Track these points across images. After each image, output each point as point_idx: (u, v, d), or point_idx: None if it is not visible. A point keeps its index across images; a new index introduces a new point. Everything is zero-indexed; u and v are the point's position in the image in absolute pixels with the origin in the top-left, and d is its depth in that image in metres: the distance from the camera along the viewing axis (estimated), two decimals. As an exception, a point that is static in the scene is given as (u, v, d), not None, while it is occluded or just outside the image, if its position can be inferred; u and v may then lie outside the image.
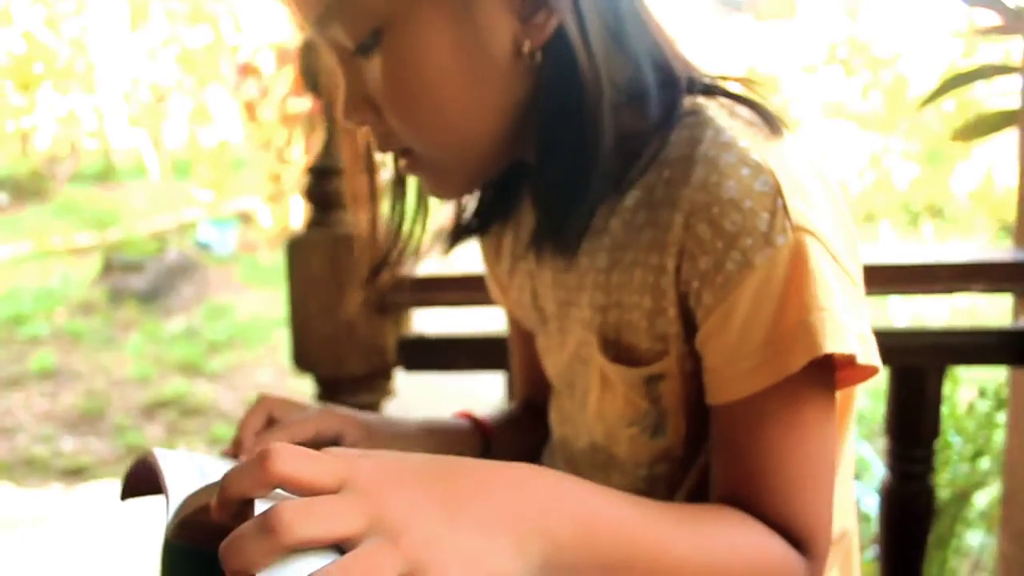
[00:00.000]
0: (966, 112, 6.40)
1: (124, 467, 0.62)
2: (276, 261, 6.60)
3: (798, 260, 0.55)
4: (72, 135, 8.68)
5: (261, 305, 5.65)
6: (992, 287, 1.08)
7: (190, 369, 4.64)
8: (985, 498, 1.90)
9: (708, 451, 0.63)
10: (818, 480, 0.57)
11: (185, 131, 8.41)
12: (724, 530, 0.55)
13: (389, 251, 0.73)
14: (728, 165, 0.56)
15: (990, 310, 4.33)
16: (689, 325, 0.61)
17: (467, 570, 0.42)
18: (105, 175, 8.95)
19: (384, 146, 0.65)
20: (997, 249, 1.71)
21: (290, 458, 0.42)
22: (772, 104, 0.62)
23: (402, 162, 0.67)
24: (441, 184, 0.68)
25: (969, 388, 1.89)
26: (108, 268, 5.89)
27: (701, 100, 0.62)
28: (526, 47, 0.59)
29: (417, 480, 0.44)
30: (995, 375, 1.82)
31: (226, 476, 0.43)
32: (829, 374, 0.57)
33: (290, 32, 6.18)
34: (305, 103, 6.19)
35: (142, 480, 0.60)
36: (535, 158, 0.64)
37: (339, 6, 0.58)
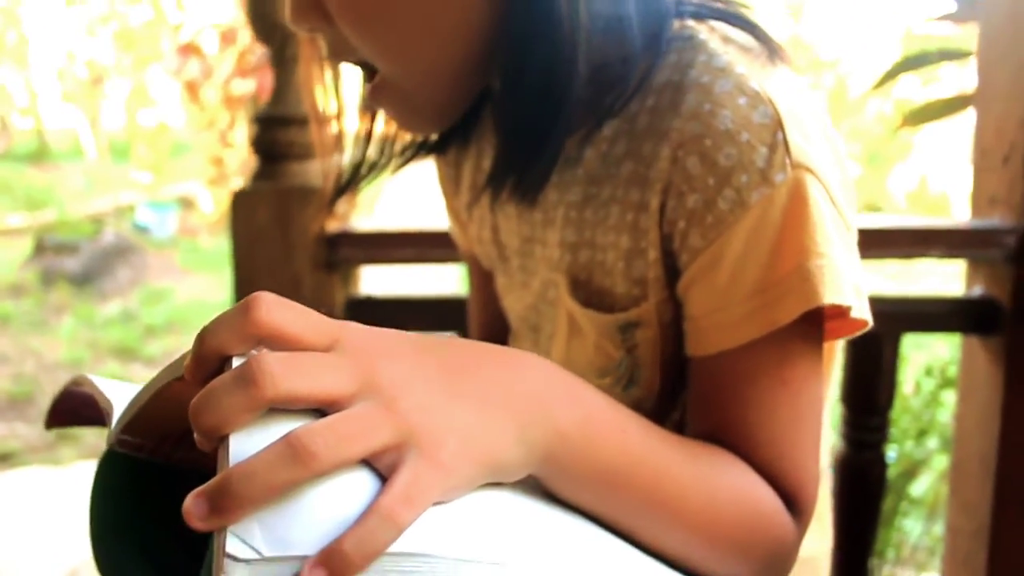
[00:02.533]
0: (904, 111, 6.56)
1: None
2: (218, 246, 6.45)
3: (797, 200, 0.51)
4: (2, 112, 8.38)
5: (202, 290, 5.51)
6: (949, 252, 1.08)
7: (126, 353, 4.50)
8: (927, 480, 1.93)
9: (684, 405, 0.60)
10: (807, 435, 0.54)
11: (123, 112, 8.17)
12: (722, 468, 0.52)
13: (355, 168, 0.68)
14: (723, 93, 0.52)
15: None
16: (671, 269, 0.56)
17: (465, 445, 0.38)
18: (39, 155, 8.66)
19: (336, 55, 0.60)
20: (950, 219, 1.75)
21: (276, 308, 0.37)
22: (768, 30, 0.57)
23: (367, 88, 0.62)
24: (410, 116, 0.63)
25: (914, 368, 1.92)
26: (40, 249, 5.69)
27: (691, 23, 0.57)
28: None
29: (414, 349, 0.40)
30: (940, 354, 1.85)
31: (203, 329, 0.37)
32: (819, 326, 0.54)
33: (233, 11, 6.05)
34: (249, 84, 6.06)
35: (71, 408, 0.55)
36: (500, 86, 0.59)
37: None
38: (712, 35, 0.56)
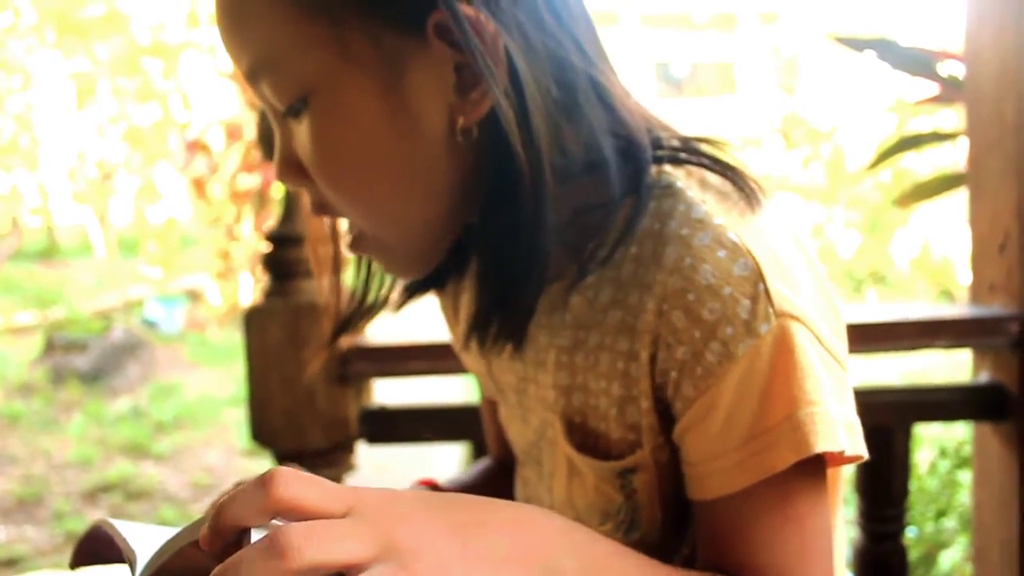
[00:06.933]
0: (902, 181, 6.63)
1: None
2: (225, 339, 6.48)
3: (783, 349, 0.51)
4: (14, 212, 8.52)
5: (210, 384, 5.51)
6: (954, 343, 1.10)
7: (136, 451, 4.47)
8: (952, 555, 1.89)
9: (691, 542, 0.60)
10: (818, 564, 0.55)
11: (132, 208, 8.30)
12: None
13: (354, 309, 0.70)
14: (703, 246, 0.52)
15: (940, 372, 4.40)
16: (664, 415, 0.57)
17: None
18: (48, 253, 8.78)
19: (317, 210, 0.62)
20: (953, 306, 1.76)
21: (294, 482, 0.40)
22: (747, 168, 0.58)
23: (348, 239, 0.63)
24: (392, 264, 0.64)
25: (929, 449, 1.90)
26: (50, 347, 5.71)
27: (669, 169, 0.58)
28: (460, 123, 0.55)
29: (426, 510, 0.43)
30: (954, 434, 1.84)
31: (222, 502, 0.40)
32: (819, 462, 0.54)
33: (239, 109, 6.20)
34: (255, 179, 6.18)
35: (94, 550, 0.56)
36: (477, 237, 0.60)
37: (266, 66, 0.55)
38: (690, 181, 0.57)
